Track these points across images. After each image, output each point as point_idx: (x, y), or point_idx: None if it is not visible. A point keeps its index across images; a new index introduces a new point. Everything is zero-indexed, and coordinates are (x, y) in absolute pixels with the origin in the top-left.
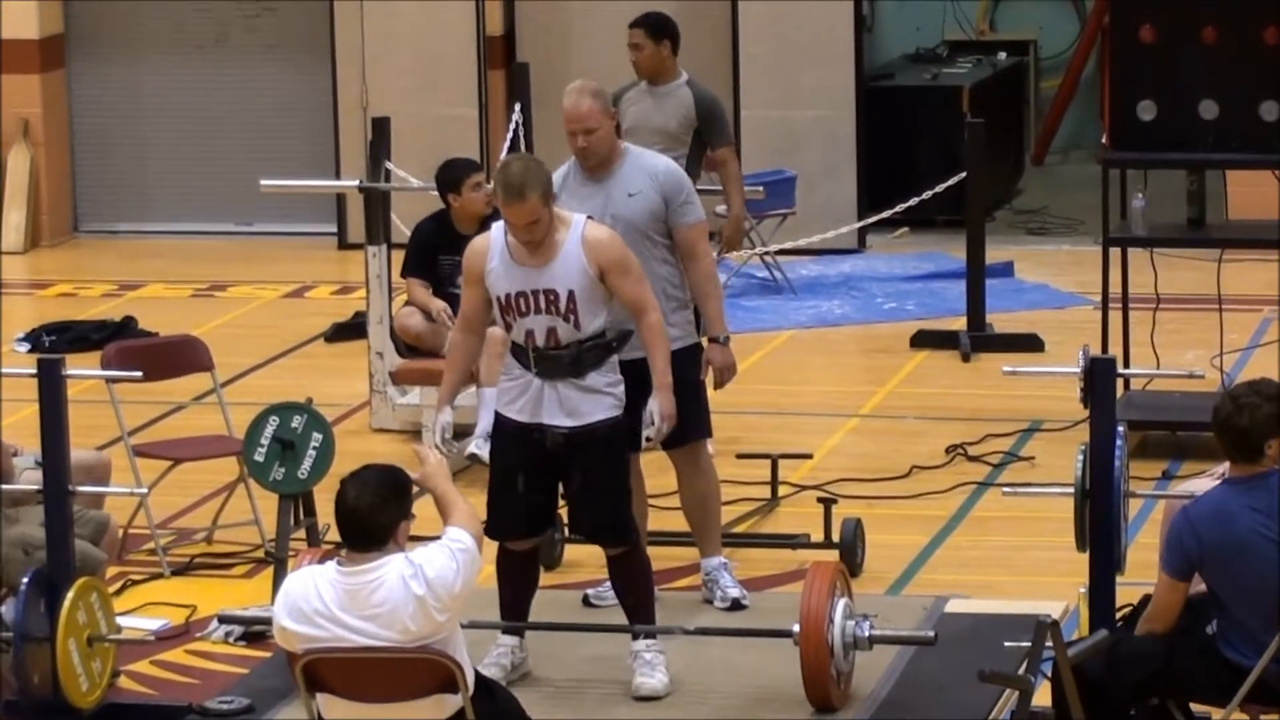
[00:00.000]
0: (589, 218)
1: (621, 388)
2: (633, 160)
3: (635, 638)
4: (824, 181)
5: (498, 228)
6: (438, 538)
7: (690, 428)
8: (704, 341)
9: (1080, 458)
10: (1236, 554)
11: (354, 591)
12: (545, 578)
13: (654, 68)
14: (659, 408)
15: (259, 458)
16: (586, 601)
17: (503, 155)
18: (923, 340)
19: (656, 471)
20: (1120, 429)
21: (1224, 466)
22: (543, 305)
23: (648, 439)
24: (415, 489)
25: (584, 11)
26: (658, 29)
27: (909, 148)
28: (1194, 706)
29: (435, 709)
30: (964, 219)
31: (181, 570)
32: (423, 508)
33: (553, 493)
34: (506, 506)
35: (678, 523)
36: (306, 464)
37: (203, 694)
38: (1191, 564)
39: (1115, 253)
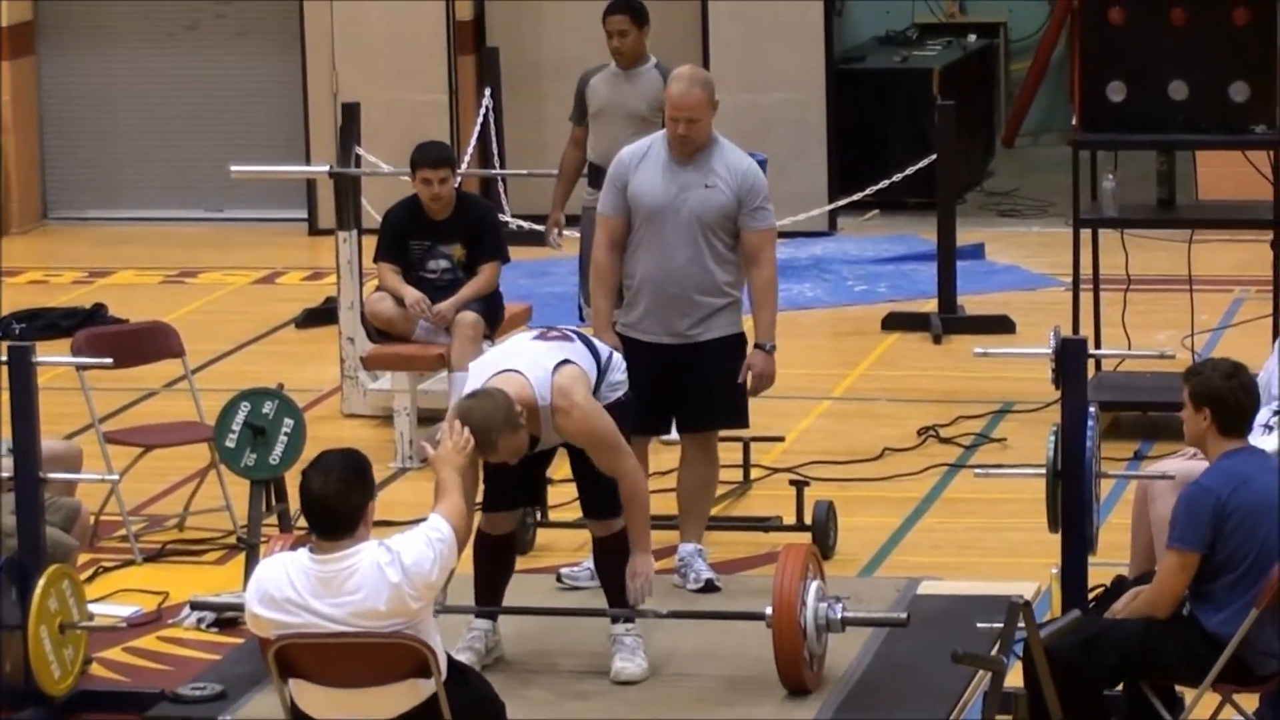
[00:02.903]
0: (552, 375)
1: (624, 389)
2: (718, 153)
3: (614, 621)
4: (794, 164)
5: None
6: (416, 522)
7: (715, 417)
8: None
9: (1052, 439)
10: (1261, 511)
11: (327, 579)
12: (518, 561)
13: (635, 53)
14: (637, 568)
15: (230, 444)
16: (560, 580)
17: (473, 140)
18: (894, 322)
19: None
20: (1092, 410)
21: (1193, 449)
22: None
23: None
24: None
25: None
26: (641, 14)
27: (879, 130)
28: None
29: (408, 694)
30: (935, 201)
31: (153, 557)
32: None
33: (542, 466)
34: (496, 480)
35: (659, 507)
36: (278, 450)
37: (175, 680)
38: (1213, 529)
39: (1086, 234)
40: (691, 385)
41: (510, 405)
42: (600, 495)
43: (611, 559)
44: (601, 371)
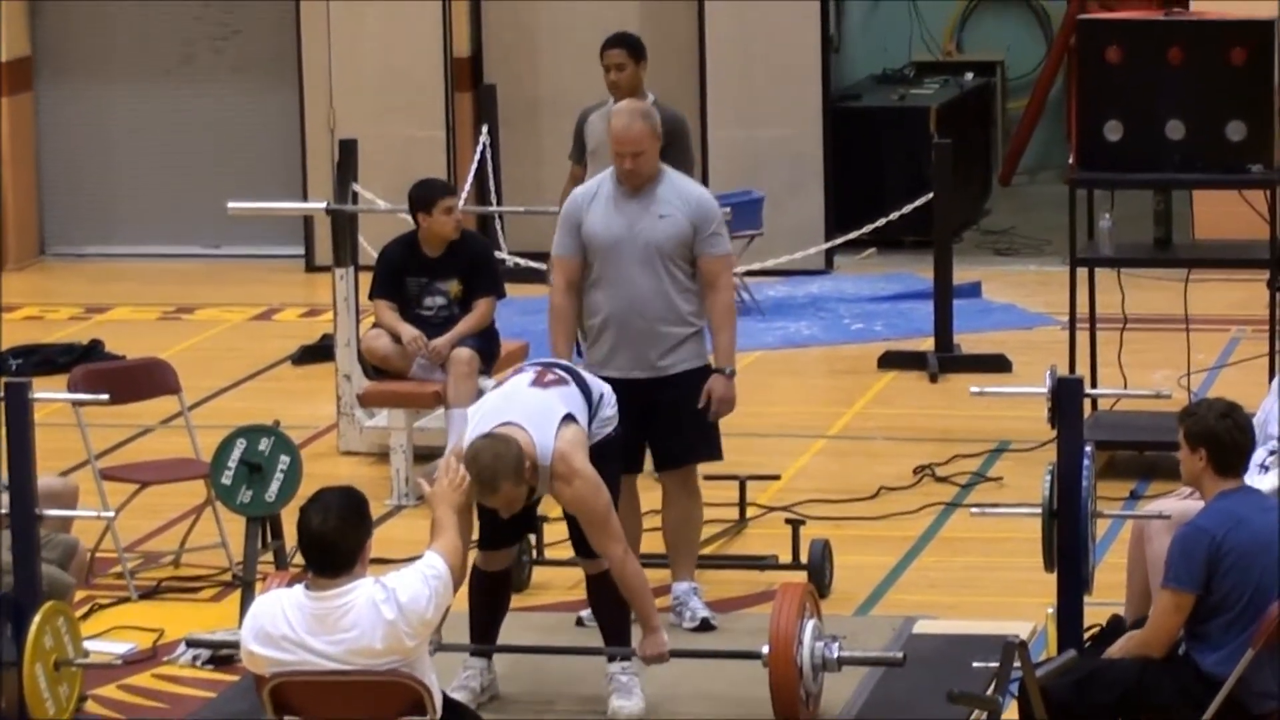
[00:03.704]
0: (555, 435)
1: (614, 424)
2: (669, 183)
3: (610, 660)
4: (791, 202)
5: None
6: (410, 560)
7: (688, 451)
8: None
9: (1048, 478)
10: (1257, 551)
11: (322, 616)
12: (513, 599)
13: (632, 88)
14: (648, 650)
15: (226, 480)
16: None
17: (470, 176)
18: (890, 361)
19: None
20: (1088, 449)
21: (1190, 489)
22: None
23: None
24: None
25: (551, 33)
26: (638, 48)
27: (876, 168)
28: None
29: None
30: (931, 239)
31: (149, 594)
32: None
33: (536, 502)
34: (492, 517)
35: (648, 544)
36: (274, 487)
37: (170, 717)
38: (1208, 569)
39: (1082, 273)
40: (664, 421)
41: (520, 457)
42: (581, 537)
43: (604, 597)
44: (593, 410)
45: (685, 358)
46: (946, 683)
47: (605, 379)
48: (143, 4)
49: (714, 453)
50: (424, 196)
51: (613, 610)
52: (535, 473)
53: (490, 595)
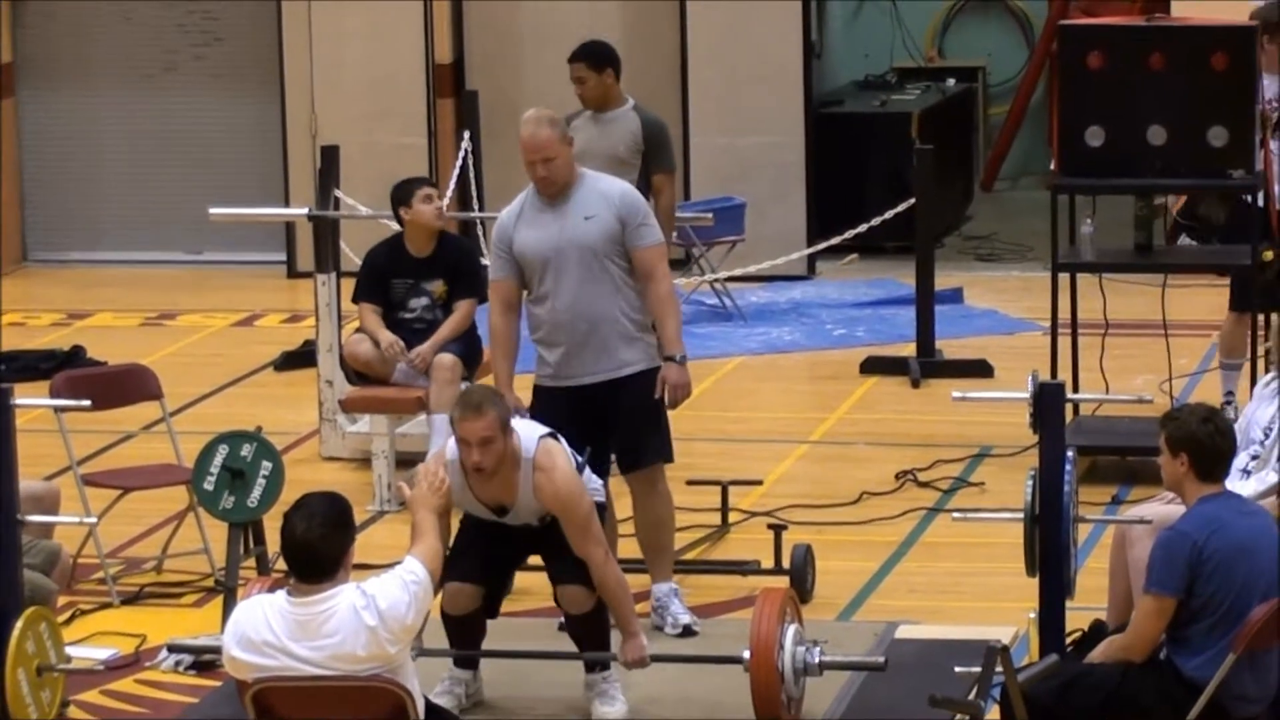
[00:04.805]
0: (539, 438)
1: (598, 495)
2: (589, 184)
3: (589, 669)
4: (773, 208)
5: (453, 448)
6: (391, 565)
7: (649, 452)
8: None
9: (1030, 483)
10: (1239, 555)
11: (304, 622)
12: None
13: (599, 97)
14: (629, 655)
15: (208, 486)
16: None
17: (452, 182)
18: (872, 366)
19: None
20: (1069, 454)
21: (1171, 494)
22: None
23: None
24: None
25: (533, 39)
26: (598, 59)
27: (858, 174)
28: None
29: None
30: (913, 245)
31: (131, 599)
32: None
33: (511, 559)
34: (465, 548)
35: (627, 549)
36: (256, 492)
37: None
38: (1189, 573)
39: (1064, 278)
40: (624, 425)
41: (509, 410)
42: (573, 560)
43: (581, 634)
44: (578, 471)
45: (638, 358)
46: (928, 687)
47: (561, 389)
48: (125, 10)
49: (667, 454)
50: (402, 192)
51: (590, 646)
52: (516, 470)
53: (462, 634)
